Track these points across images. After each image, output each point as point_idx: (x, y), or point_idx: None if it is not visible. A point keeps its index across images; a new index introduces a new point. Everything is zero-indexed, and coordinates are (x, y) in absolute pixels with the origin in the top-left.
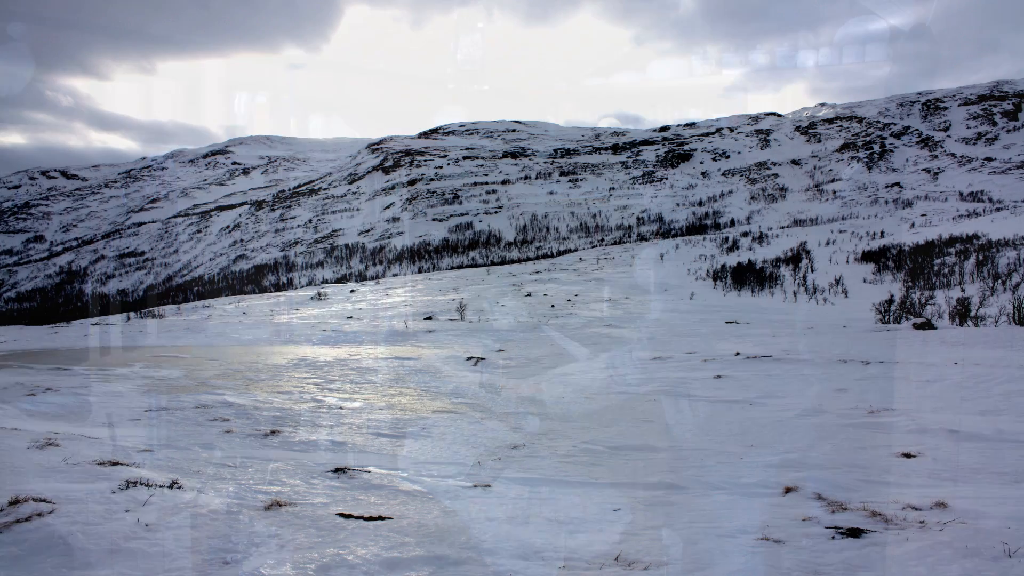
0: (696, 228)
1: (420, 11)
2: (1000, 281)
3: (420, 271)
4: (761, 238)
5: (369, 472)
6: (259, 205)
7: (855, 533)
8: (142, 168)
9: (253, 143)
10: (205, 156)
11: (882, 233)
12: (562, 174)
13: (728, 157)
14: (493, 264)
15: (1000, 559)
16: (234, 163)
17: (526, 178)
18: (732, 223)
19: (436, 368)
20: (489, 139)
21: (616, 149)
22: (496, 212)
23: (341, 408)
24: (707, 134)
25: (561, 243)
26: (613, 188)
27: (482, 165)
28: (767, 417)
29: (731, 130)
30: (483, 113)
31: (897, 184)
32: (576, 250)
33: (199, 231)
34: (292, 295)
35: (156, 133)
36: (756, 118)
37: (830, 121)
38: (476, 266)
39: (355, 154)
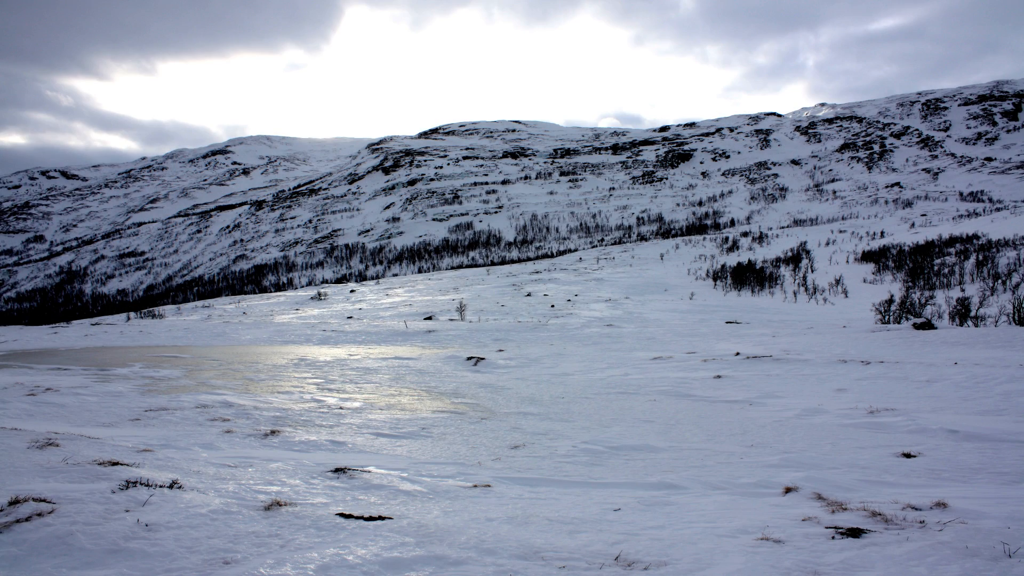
0: (696, 228)
1: (420, 11)
2: (1000, 281)
3: (420, 271)
4: (761, 238)
5: (369, 472)
6: (259, 205)
7: (855, 533)
8: (142, 168)
9: (253, 143)
10: (205, 156)
11: (882, 233)
12: (562, 174)
13: (728, 157)
14: (493, 264)
15: (1000, 559)
16: (234, 163)
17: (526, 178)
18: (732, 223)
19: (436, 368)
20: (489, 139)
21: (616, 149)
22: (496, 212)
23: (341, 408)
24: (707, 134)
25: (561, 243)
26: (613, 188)
27: (482, 165)
28: (767, 417)
29: (731, 130)
30: (483, 113)
31: (897, 184)
32: (576, 250)
33: (199, 231)
34: (292, 295)
35: (156, 133)
36: (756, 118)
37: (830, 121)
38: (476, 266)
39: (355, 154)
